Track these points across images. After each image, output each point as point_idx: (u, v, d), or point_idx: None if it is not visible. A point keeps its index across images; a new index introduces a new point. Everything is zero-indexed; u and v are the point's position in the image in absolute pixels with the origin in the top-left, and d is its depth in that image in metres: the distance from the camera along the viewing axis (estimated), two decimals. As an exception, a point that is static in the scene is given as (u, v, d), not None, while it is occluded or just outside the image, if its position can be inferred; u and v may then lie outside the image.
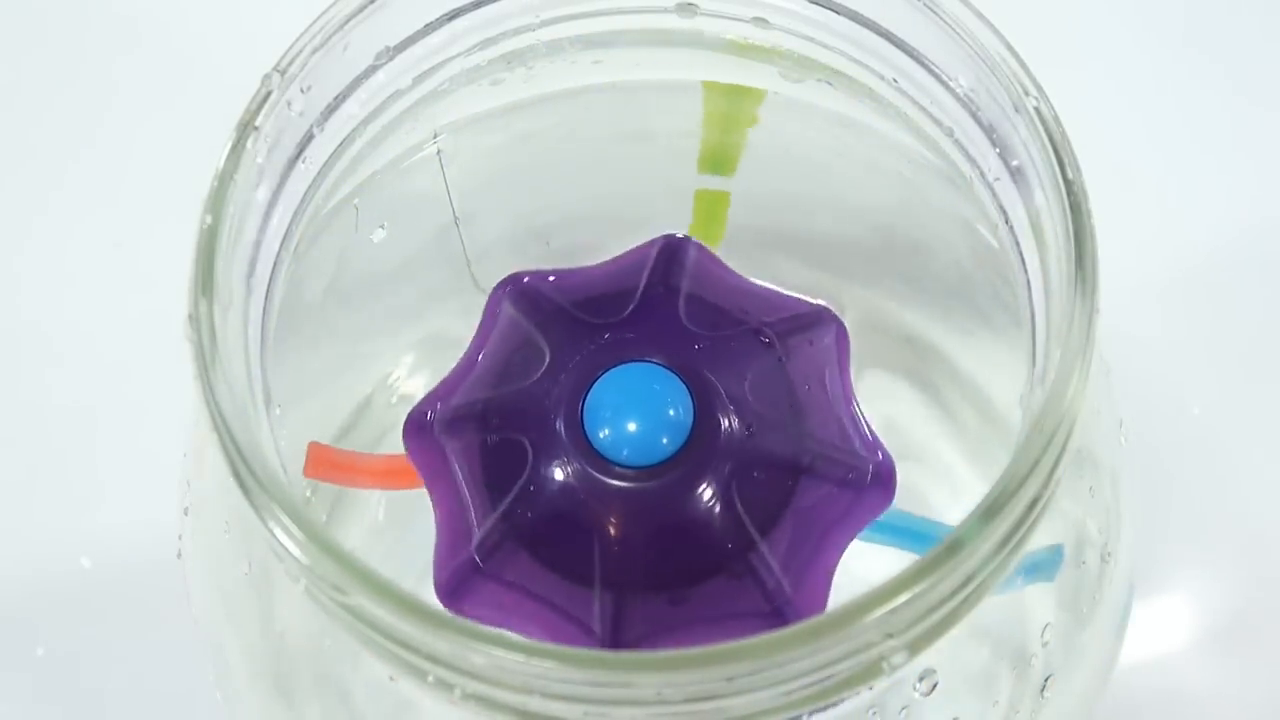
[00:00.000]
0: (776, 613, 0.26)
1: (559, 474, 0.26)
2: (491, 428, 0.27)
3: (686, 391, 0.27)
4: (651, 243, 0.30)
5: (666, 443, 0.26)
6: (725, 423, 0.27)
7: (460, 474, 0.27)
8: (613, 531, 0.26)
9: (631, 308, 0.28)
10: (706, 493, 0.26)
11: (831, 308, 0.29)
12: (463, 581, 0.26)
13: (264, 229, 0.26)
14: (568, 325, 0.28)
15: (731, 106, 0.29)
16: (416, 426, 0.28)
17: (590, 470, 0.26)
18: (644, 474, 0.26)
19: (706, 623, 0.26)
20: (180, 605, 0.29)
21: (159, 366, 0.31)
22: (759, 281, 0.30)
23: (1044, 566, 0.27)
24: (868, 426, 0.28)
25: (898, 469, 0.27)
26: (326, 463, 0.29)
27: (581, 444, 0.26)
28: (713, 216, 0.31)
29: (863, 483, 0.27)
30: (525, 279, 0.30)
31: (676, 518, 0.26)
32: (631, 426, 0.26)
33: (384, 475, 0.30)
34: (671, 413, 0.26)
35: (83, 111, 0.47)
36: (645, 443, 0.26)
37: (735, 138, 0.30)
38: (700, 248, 0.30)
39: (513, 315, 0.29)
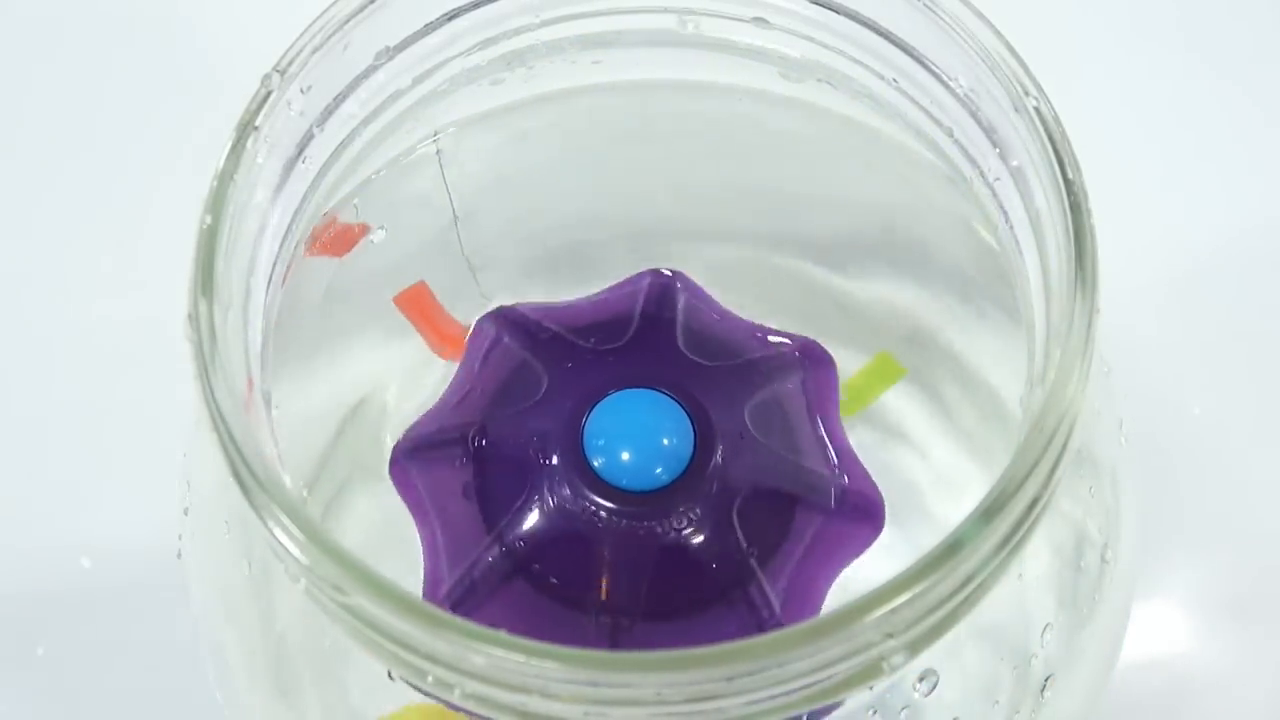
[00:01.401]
0: None
1: (555, 499, 0.26)
2: (487, 453, 0.27)
3: (688, 419, 0.27)
4: (639, 276, 0.30)
5: (664, 471, 0.26)
6: (724, 452, 0.27)
7: (451, 502, 0.27)
8: (610, 558, 0.26)
9: (630, 334, 0.28)
10: (706, 522, 0.26)
11: (820, 343, 0.29)
12: (457, 605, 0.26)
13: (264, 229, 0.26)
14: (565, 350, 0.28)
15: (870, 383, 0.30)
16: (405, 455, 0.28)
17: (589, 495, 0.26)
18: (643, 500, 0.26)
19: None
20: (180, 605, 0.29)
21: (159, 366, 0.31)
22: (748, 317, 0.30)
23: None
24: (858, 460, 0.28)
25: (898, 468, 0.28)
26: (418, 304, 0.29)
27: (580, 469, 0.26)
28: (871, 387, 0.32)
29: (854, 515, 0.27)
30: (515, 308, 0.29)
31: (675, 546, 0.26)
32: (631, 453, 0.26)
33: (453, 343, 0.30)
34: (672, 440, 0.26)
35: (83, 111, 0.47)
36: (645, 469, 0.26)
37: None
38: (690, 283, 0.30)
39: (505, 343, 0.29)
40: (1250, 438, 0.41)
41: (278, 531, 0.22)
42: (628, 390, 0.27)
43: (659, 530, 0.26)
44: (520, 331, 0.29)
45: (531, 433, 0.27)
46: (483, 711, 0.21)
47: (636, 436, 0.26)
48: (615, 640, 0.26)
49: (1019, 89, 0.25)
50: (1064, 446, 0.22)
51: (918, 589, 0.21)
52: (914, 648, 0.21)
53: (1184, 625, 0.39)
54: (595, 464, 0.26)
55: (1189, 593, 0.39)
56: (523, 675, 0.20)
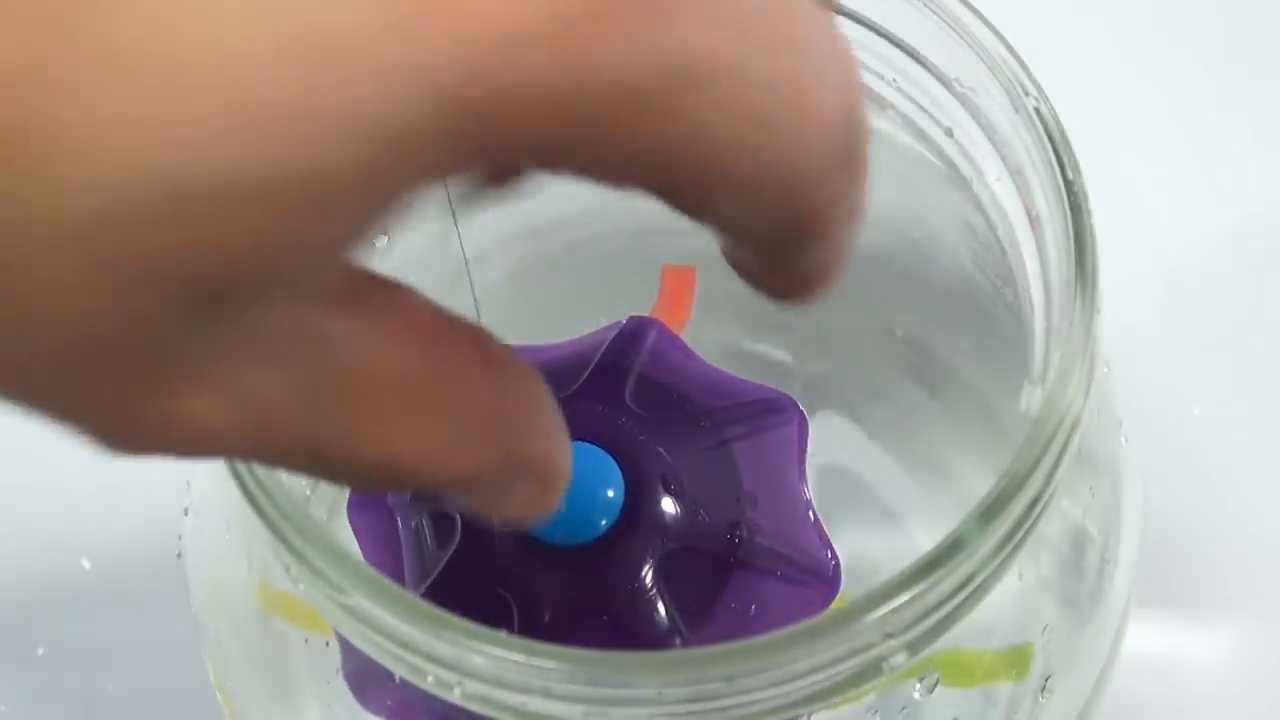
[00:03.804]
0: None
1: (486, 551, 0.26)
2: (422, 502, 0.26)
3: (618, 471, 0.26)
4: (615, 324, 0.29)
5: (596, 523, 0.25)
6: (661, 506, 0.26)
7: (391, 549, 0.27)
8: (538, 612, 0.25)
9: (576, 385, 0.28)
10: (635, 578, 0.25)
11: (793, 396, 0.28)
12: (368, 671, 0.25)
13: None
14: None
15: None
16: (359, 499, 0.27)
17: (518, 548, 0.25)
18: (573, 554, 0.25)
19: None
20: (180, 605, 0.29)
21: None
22: (721, 366, 0.29)
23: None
24: (816, 519, 0.27)
25: (901, 472, 0.27)
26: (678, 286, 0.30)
27: (522, 538, 0.25)
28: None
29: (803, 579, 0.26)
30: None
31: (603, 601, 0.25)
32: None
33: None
34: (604, 493, 0.25)
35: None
36: (573, 522, 0.25)
37: None
38: (663, 330, 0.29)
39: None
40: (1250, 438, 0.41)
41: (278, 531, 0.22)
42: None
43: (589, 582, 0.25)
44: None
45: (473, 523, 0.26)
46: (483, 711, 0.21)
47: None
48: None
49: (1019, 89, 0.25)
50: (1064, 446, 0.22)
51: (918, 589, 0.21)
52: (914, 648, 0.21)
53: (1184, 625, 0.39)
54: (536, 532, 0.25)
55: (1189, 592, 0.39)
56: (523, 675, 0.20)
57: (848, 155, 0.17)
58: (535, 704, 0.21)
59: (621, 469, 0.26)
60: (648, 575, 0.25)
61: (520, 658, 0.20)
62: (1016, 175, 0.26)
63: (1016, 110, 0.25)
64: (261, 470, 0.22)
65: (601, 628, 0.25)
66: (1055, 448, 0.22)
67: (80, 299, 0.14)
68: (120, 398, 0.16)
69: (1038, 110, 0.25)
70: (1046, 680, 0.28)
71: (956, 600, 0.22)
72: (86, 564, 0.40)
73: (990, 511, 0.22)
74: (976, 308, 0.31)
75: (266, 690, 0.29)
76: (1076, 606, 0.28)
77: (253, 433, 0.16)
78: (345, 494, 0.33)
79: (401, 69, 0.13)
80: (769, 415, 0.28)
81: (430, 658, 0.21)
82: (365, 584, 0.21)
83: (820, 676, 0.21)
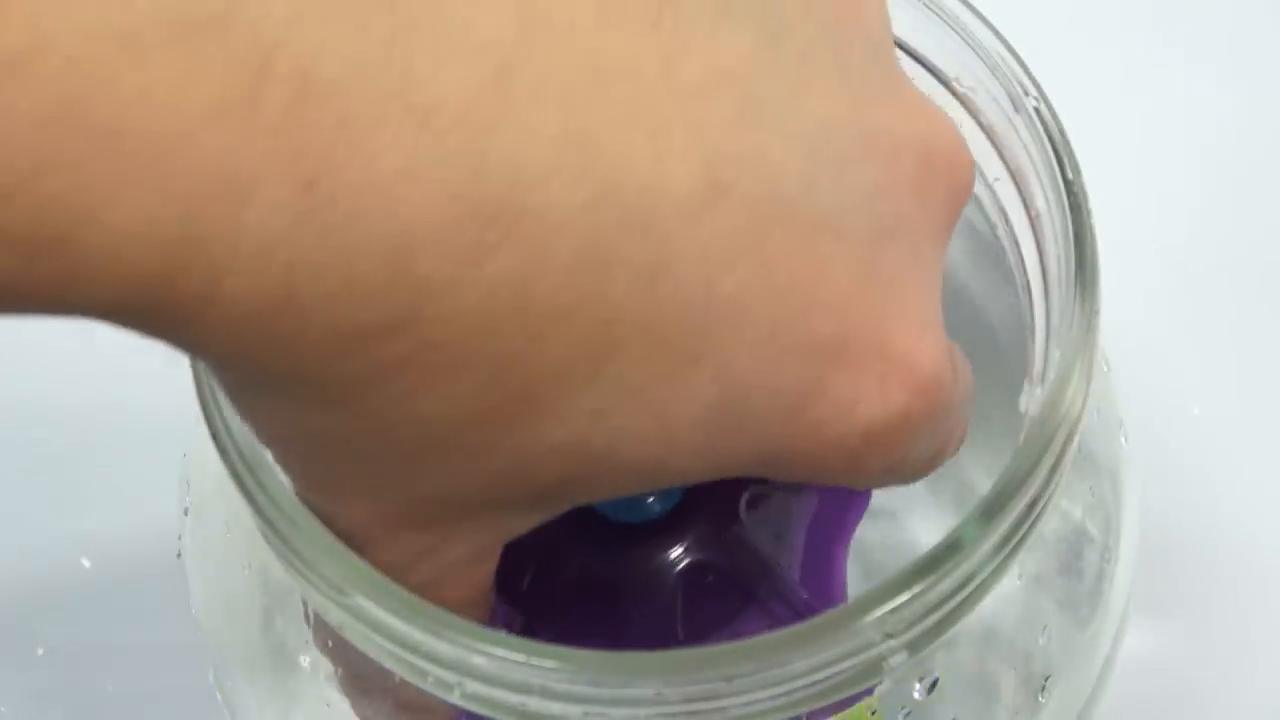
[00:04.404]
0: None
1: (559, 548, 0.26)
2: None
3: None
4: None
5: (648, 503, 0.26)
6: (714, 516, 0.26)
7: None
8: (629, 597, 0.26)
9: None
10: (662, 571, 0.26)
11: None
12: None
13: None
14: None
15: None
16: None
17: (592, 535, 0.26)
18: (616, 528, 0.26)
19: None
20: (180, 605, 0.29)
21: (159, 366, 0.31)
22: None
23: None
24: (843, 588, 0.27)
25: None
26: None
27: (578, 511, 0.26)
28: None
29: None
30: None
31: (623, 580, 0.26)
32: None
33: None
34: None
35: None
36: (636, 501, 0.26)
37: None
38: None
39: None
40: (1250, 438, 0.41)
41: (278, 532, 0.22)
42: None
43: (670, 556, 0.26)
44: None
45: None
46: (483, 711, 0.21)
47: None
48: None
49: (1019, 89, 0.25)
50: (1064, 446, 0.22)
51: (918, 589, 0.21)
52: (914, 648, 0.21)
53: (1184, 625, 0.39)
54: (598, 506, 0.26)
55: (1189, 592, 0.39)
56: (523, 675, 0.20)
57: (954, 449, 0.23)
58: (535, 704, 0.21)
59: None
60: (673, 571, 0.26)
61: (520, 658, 0.20)
62: (1016, 175, 0.26)
63: (1016, 110, 0.25)
64: (261, 470, 0.22)
65: (606, 604, 0.26)
66: (1055, 448, 0.22)
67: None
68: None
69: (1038, 110, 0.25)
70: (1046, 680, 0.28)
71: (956, 600, 0.21)
72: (86, 564, 0.40)
73: (990, 511, 0.22)
74: (976, 307, 0.31)
75: (266, 690, 0.29)
76: (1076, 606, 0.28)
77: None
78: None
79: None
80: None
81: (430, 658, 0.21)
82: (365, 584, 0.21)
83: (820, 676, 0.21)
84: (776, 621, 0.26)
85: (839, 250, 0.19)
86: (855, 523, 0.27)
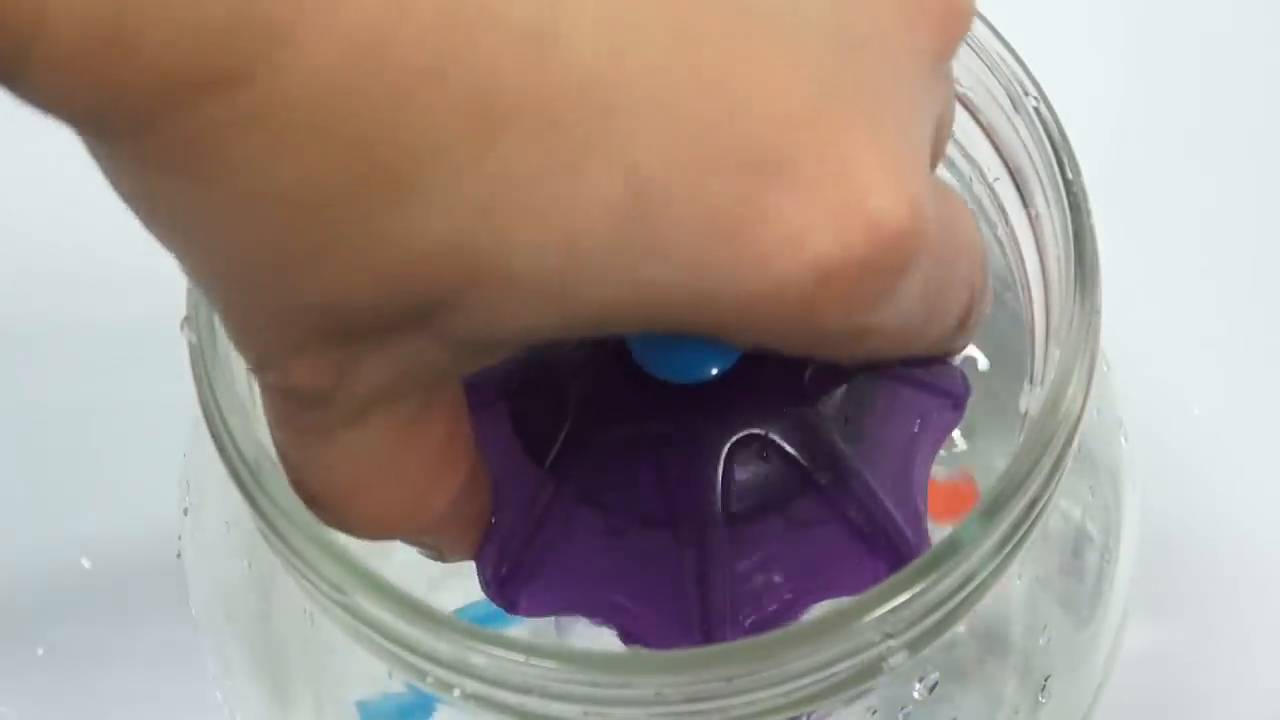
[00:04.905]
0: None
1: (604, 413, 0.24)
2: (519, 384, 0.24)
3: None
4: None
5: (705, 366, 0.23)
6: (776, 385, 0.23)
7: (489, 448, 0.24)
8: (677, 463, 0.23)
9: None
10: (715, 441, 0.23)
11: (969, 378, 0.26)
12: (527, 545, 0.24)
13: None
14: None
15: None
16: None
17: (642, 398, 0.23)
18: (668, 390, 0.23)
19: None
20: (180, 605, 0.29)
21: (158, 366, 0.31)
22: None
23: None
24: (920, 503, 0.24)
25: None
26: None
27: (626, 371, 0.23)
28: None
29: (872, 538, 0.24)
30: None
31: (748, 439, 0.23)
32: (671, 347, 0.23)
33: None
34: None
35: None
36: (682, 357, 0.23)
37: None
38: None
39: None
40: (1250, 438, 0.41)
41: (278, 532, 0.22)
42: None
43: (723, 424, 0.23)
44: None
45: (568, 350, 0.24)
46: (483, 711, 0.21)
47: None
48: (703, 554, 0.23)
49: (1019, 89, 0.25)
50: (1064, 446, 0.22)
51: (917, 589, 0.21)
52: (914, 648, 0.21)
53: (1184, 625, 0.39)
54: (642, 361, 0.23)
55: (1189, 592, 0.39)
56: (523, 675, 0.20)
57: (970, 323, 0.22)
58: (535, 704, 0.21)
59: None
60: (725, 441, 0.23)
61: (520, 658, 0.20)
62: (1016, 175, 0.26)
63: (1017, 110, 0.25)
64: (261, 470, 0.22)
65: (645, 474, 0.23)
66: (1055, 448, 0.22)
67: None
68: None
69: (1038, 110, 0.25)
70: (1046, 680, 0.28)
71: (956, 600, 0.22)
72: (86, 564, 0.40)
73: (990, 511, 0.22)
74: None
75: (266, 690, 0.29)
76: (1076, 606, 0.28)
77: None
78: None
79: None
80: (933, 383, 0.25)
81: (430, 658, 0.21)
82: (365, 584, 0.21)
83: (820, 676, 0.21)
84: (836, 512, 0.23)
85: (789, 53, 0.17)
86: (940, 437, 0.25)
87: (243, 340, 0.19)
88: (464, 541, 0.24)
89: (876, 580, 0.22)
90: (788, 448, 0.23)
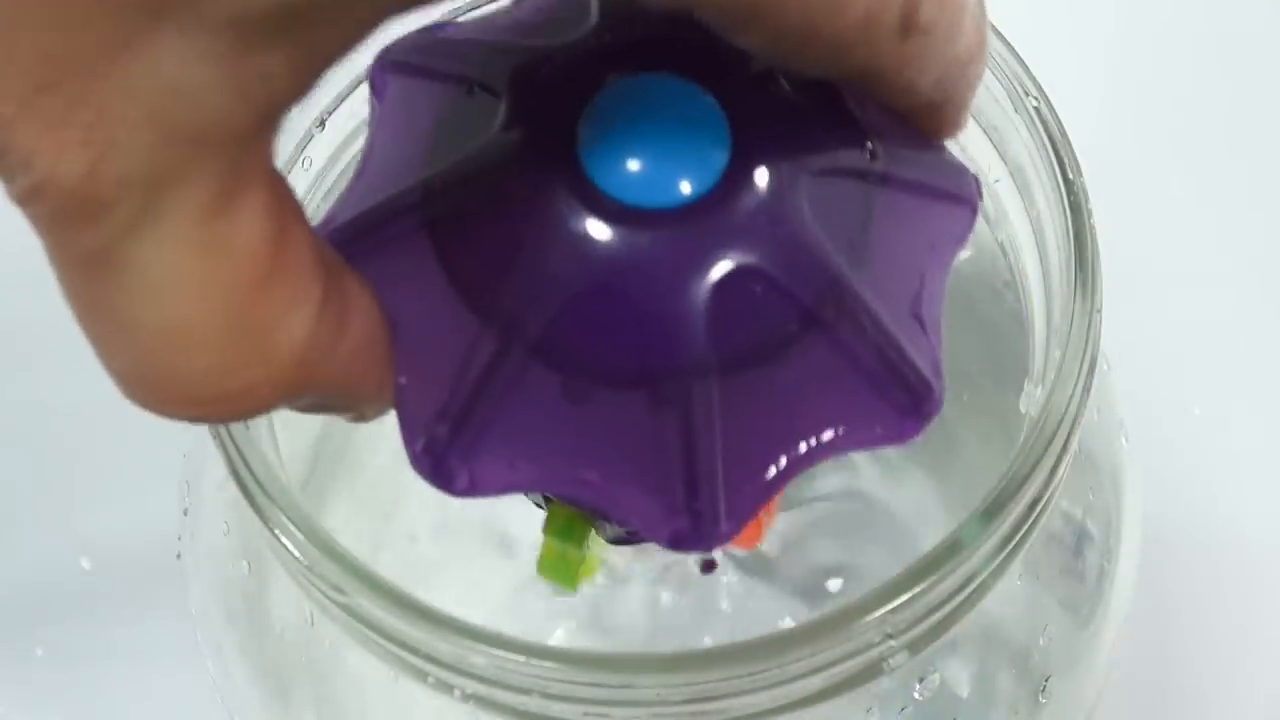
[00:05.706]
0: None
1: (560, 250, 0.19)
2: (451, 214, 0.20)
3: (726, 128, 0.19)
4: None
5: (675, 186, 0.19)
6: (761, 203, 0.19)
7: (414, 294, 0.20)
8: (654, 307, 0.19)
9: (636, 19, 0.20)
10: (696, 268, 0.19)
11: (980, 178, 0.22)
12: (454, 443, 0.20)
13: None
14: (518, 58, 0.20)
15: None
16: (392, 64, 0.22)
17: (602, 227, 0.19)
18: (638, 215, 0.19)
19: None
20: (180, 605, 0.29)
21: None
22: None
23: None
24: (930, 322, 0.21)
25: (901, 472, 0.27)
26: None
27: (582, 192, 0.19)
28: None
29: (889, 392, 0.20)
30: (410, 37, 0.22)
31: (733, 273, 0.19)
32: (645, 159, 0.19)
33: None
34: (699, 150, 0.19)
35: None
36: (649, 177, 0.19)
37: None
38: None
39: (423, 82, 0.21)
40: (1250, 438, 0.41)
41: (278, 531, 0.22)
42: (637, 76, 0.20)
43: (705, 257, 0.19)
44: (439, 59, 0.21)
45: (506, 170, 0.20)
46: (483, 711, 0.21)
47: (651, 136, 0.19)
48: (686, 416, 0.19)
49: (1019, 89, 0.25)
50: (1064, 447, 0.22)
51: (918, 589, 0.21)
52: (914, 648, 0.21)
53: (1184, 625, 0.39)
54: (601, 181, 0.19)
55: (1189, 593, 0.39)
56: (523, 675, 0.20)
57: (903, 26, 0.18)
58: (535, 704, 0.21)
59: (730, 127, 0.20)
60: (708, 277, 0.19)
61: (520, 658, 0.20)
62: (1016, 175, 0.26)
63: (1016, 110, 0.25)
64: (261, 470, 0.22)
65: (613, 323, 0.19)
66: (1055, 448, 0.22)
67: None
68: None
69: (1038, 110, 0.25)
70: (1046, 680, 0.28)
71: (956, 600, 0.22)
72: (86, 564, 0.40)
73: (990, 511, 0.22)
74: (976, 308, 0.31)
75: (266, 690, 0.29)
76: (1076, 607, 0.28)
77: None
78: (338, 486, 0.33)
79: None
80: (942, 185, 0.21)
81: (430, 658, 0.21)
82: (365, 584, 0.21)
83: (820, 676, 0.21)
84: (843, 355, 0.20)
85: None
86: (954, 250, 0.21)
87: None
88: (370, 389, 0.19)
89: (889, 434, 0.20)
90: (782, 280, 0.19)
